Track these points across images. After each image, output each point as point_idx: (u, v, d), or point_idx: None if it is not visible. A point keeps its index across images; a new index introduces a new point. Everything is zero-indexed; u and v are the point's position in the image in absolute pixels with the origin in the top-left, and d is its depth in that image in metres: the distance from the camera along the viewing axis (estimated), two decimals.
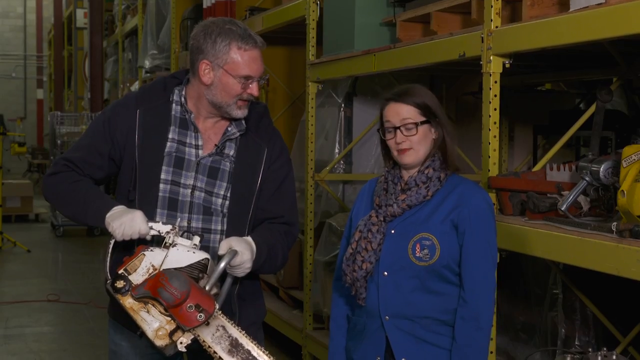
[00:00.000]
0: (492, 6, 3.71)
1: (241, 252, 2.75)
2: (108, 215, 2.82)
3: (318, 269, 5.84)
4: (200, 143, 2.96)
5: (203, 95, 2.93)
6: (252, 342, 2.67)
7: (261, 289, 3.19)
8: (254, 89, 2.92)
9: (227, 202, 2.95)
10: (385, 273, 2.86)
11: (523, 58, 4.20)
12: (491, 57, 3.70)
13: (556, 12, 3.59)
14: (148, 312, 2.66)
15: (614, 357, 3.16)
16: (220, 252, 2.75)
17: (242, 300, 2.99)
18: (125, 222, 2.77)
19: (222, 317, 2.69)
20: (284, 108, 8.50)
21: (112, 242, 2.82)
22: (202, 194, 2.94)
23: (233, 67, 2.88)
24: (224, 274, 2.78)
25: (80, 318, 8.06)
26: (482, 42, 3.74)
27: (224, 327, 2.66)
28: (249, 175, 2.96)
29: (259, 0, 8.10)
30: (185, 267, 2.69)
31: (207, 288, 2.66)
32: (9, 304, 8.53)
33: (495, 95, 3.71)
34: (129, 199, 2.95)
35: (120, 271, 2.70)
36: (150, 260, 2.70)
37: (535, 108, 6.10)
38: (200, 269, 2.71)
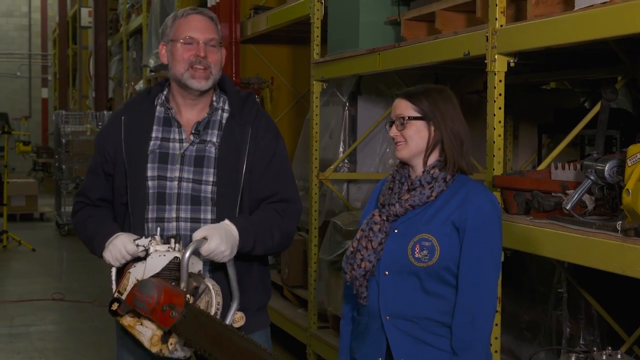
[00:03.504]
0: (496, 5, 3.71)
1: (210, 237, 2.77)
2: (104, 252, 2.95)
3: (322, 268, 5.84)
4: (183, 137, 3.02)
5: (173, 82, 3.04)
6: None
7: (267, 272, 3.18)
8: (200, 49, 2.98)
9: (216, 188, 2.97)
10: (386, 273, 2.85)
11: (528, 57, 4.19)
12: (496, 56, 3.70)
13: (561, 11, 3.59)
14: (142, 324, 2.76)
15: (619, 356, 3.15)
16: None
17: (242, 285, 2.97)
18: (110, 249, 2.90)
19: (197, 307, 2.73)
20: (288, 107, 8.51)
21: (113, 269, 2.92)
22: (190, 184, 2.97)
23: (176, 33, 3.00)
24: (222, 264, 2.83)
25: (84, 317, 8.07)
26: (487, 40, 3.74)
27: (197, 318, 2.70)
28: (235, 157, 2.99)
29: None
30: (161, 271, 2.76)
31: (181, 285, 2.71)
32: (13, 303, 8.55)
33: (500, 94, 3.71)
34: (121, 202, 3.04)
35: (115, 294, 2.81)
36: (134, 276, 2.79)
37: (540, 107, 6.10)
38: (175, 268, 2.75)
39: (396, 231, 2.86)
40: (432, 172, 2.85)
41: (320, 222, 5.99)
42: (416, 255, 2.79)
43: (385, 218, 2.87)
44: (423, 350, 2.81)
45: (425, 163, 2.87)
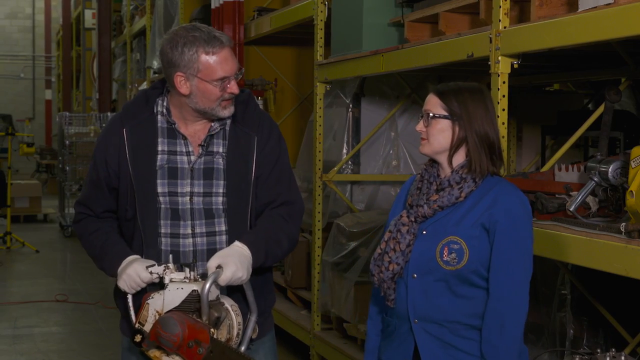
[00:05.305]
0: (500, 6, 3.71)
1: (225, 265, 2.75)
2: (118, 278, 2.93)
3: (326, 270, 5.84)
4: (190, 149, 2.96)
5: (185, 104, 2.93)
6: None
7: (272, 279, 3.17)
8: (233, 87, 2.91)
9: (226, 199, 2.95)
10: (415, 275, 2.80)
11: (531, 58, 4.19)
12: (499, 58, 3.70)
13: (565, 12, 3.59)
14: (168, 355, 2.75)
15: (623, 358, 3.15)
16: (210, 272, 2.76)
17: (261, 291, 2.98)
18: (125, 279, 2.87)
19: (222, 342, 2.73)
20: (292, 108, 8.52)
21: (129, 296, 2.90)
22: (201, 198, 2.94)
23: (207, 73, 2.87)
24: (239, 286, 2.83)
25: (88, 318, 8.08)
26: (491, 42, 3.74)
27: (224, 352, 2.70)
28: (243, 166, 2.95)
29: (267, 0, 8.12)
30: (181, 304, 2.75)
31: (203, 318, 2.71)
32: (17, 304, 8.56)
33: (504, 96, 3.71)
34: (126, 218, 2.99)
35: (136, 325, 2.81)
36: (154, 308, 2.79)
37: (544, 108, 6.09)
38: (194, 300, 2.75)
39: (424, 233, 2.81)
40: (460, 172, 2.80)
41: (323, 223, 5.99)
42: (444, 258, 2.74)
43: (413, 219, 2.82)
44: (452, 354, 2.77)
45: (450, 162, 2.82)
